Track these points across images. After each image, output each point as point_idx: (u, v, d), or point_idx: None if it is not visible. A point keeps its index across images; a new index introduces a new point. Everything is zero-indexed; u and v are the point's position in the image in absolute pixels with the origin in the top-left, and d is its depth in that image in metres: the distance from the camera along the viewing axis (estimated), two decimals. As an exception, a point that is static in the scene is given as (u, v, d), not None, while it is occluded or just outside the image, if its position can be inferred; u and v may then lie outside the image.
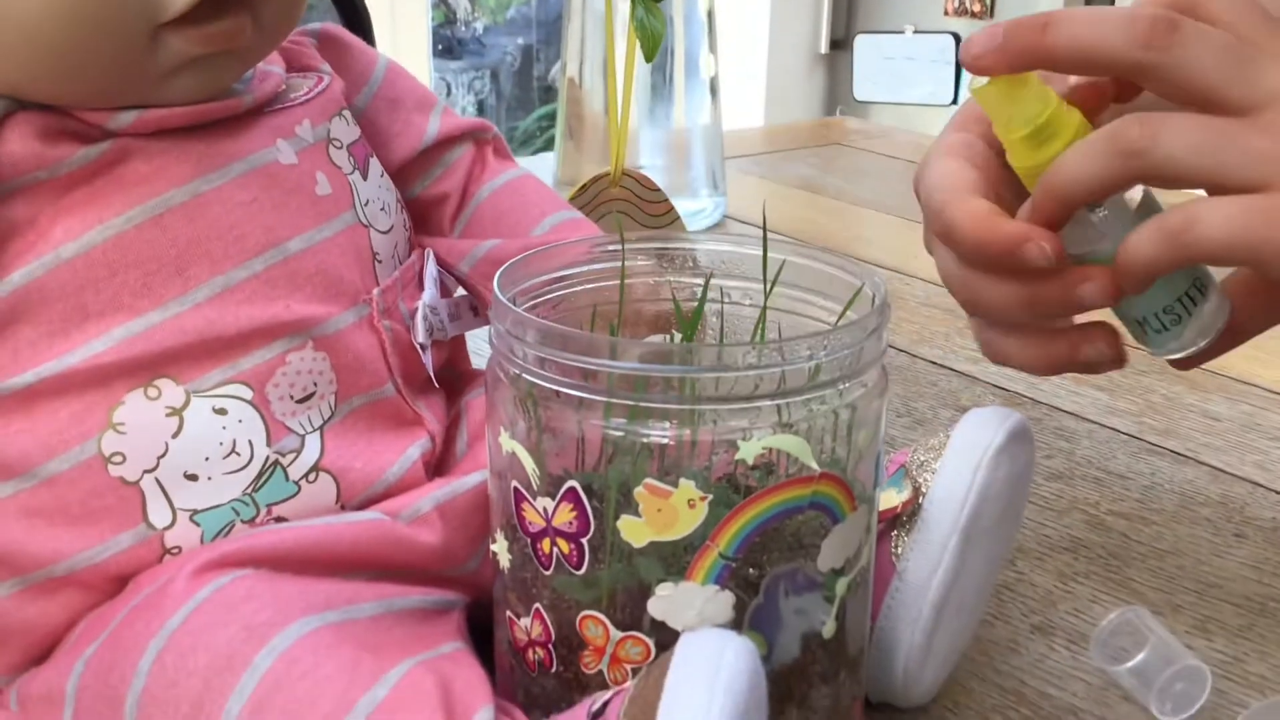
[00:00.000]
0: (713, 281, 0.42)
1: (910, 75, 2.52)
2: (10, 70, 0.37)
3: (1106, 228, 0.42)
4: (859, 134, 1.34)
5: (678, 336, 0.42)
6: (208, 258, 0.40)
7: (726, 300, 0.42)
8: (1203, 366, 0.72)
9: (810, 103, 2.63)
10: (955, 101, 2.46)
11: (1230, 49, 0.40)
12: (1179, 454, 0.63)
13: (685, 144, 0.99)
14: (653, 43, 0.68)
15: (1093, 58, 0.41)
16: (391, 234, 0.47)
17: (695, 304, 0.41)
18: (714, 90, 0.99)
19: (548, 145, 2.91)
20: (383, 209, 0.46)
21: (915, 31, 2.50)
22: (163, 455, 0.38)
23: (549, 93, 3.08)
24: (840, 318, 0.39)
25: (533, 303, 0.40)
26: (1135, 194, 0.43)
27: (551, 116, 2.96)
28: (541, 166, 1.07)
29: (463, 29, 3.02)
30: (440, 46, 2.91)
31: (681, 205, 0.90)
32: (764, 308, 0.40)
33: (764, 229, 0.41)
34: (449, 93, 2.98)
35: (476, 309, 0.51)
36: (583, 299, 0.42)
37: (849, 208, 1.08)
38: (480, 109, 3.05)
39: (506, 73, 3.09)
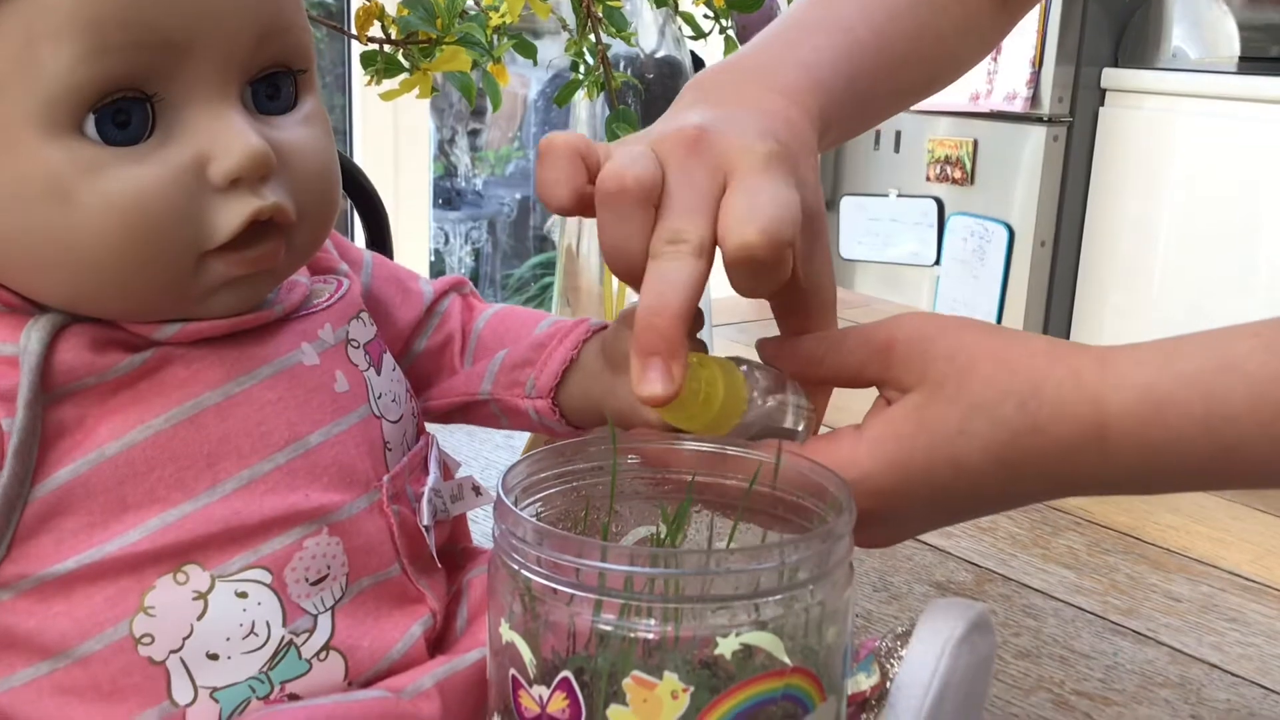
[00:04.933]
0: (697, 480, 0.46)
1: (894, 236, 2.60)
2: (67, 289, 0.42)
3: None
4: (841, 304, 1.39)
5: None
6: (236, 453, 0.43)
7: (710, 498, 0.46)
8: (1167, 547, 0.76)
9: (798, 263, 2.70)
10: (938, 261, 2.53)
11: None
12: (1140, 634, 0.66)
13: (675, 314, 1.04)
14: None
15: None
16: (401, 423, 0.51)
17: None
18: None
19: (541, 291, 2.98)
20: (394, 400, 0.50)
21: (899, 195, 2.59)
22: (188, 636, 0.42)
23: (544, 243, 3.16)
24: (815, 524, 0.43)
25: (536, 497, 0.44)
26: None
27: (545, 265, 3.04)
28: (537, 333, 1.11)
29: (463, 182, 3.12)
30: (440, 199, 3.00)
31: (671, 375, 0.94)
32: (739, 516, 0.44)
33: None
34: (447, 241, 3.06)
35: (478, 489, 0.55)
36: (582, 493, 0.46)
37: (831, 377, 1.12)
38: (477, 257, 3.13)
39: (503, 223, 3.18)
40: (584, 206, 0.48)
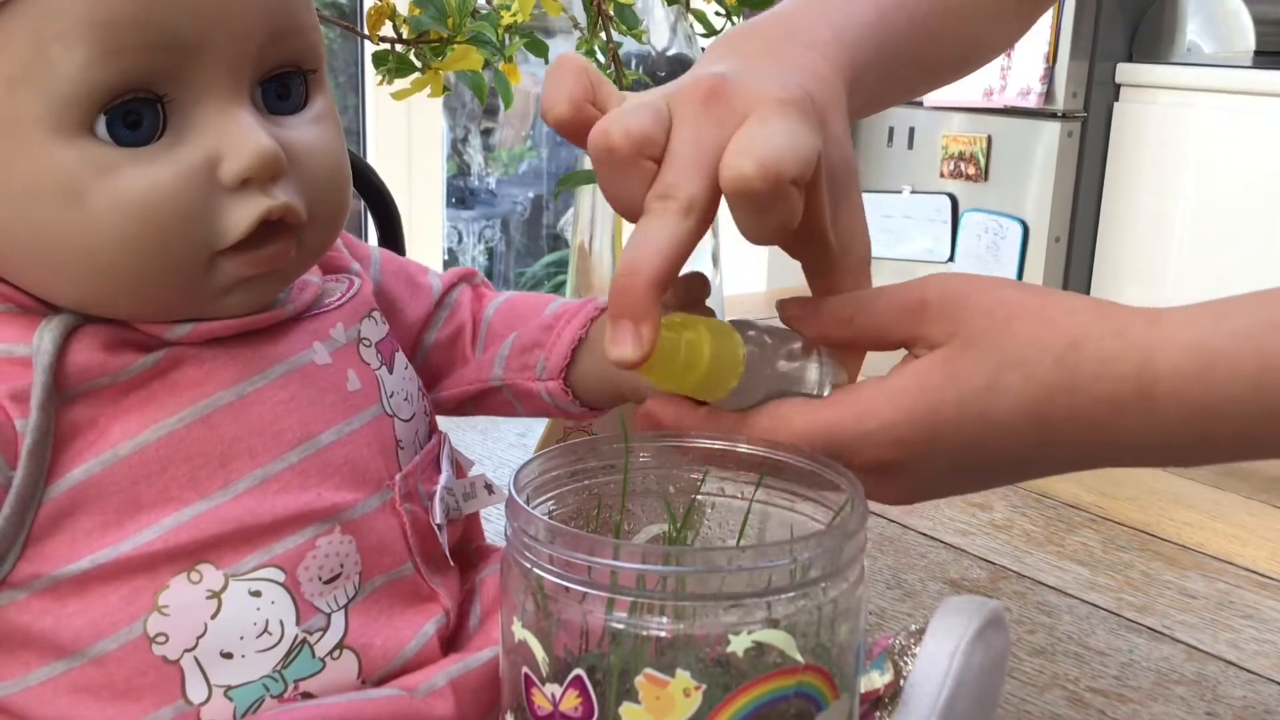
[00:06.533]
0: (708, 478, 0.46)
1: (908, 232, 2.60)
2: (80, 290, 0.42)
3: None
4: (856, 299, 1.39)
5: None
6: (249, 452, 0.43)
7: (721, 494, 0.46)
8: (1183, 544, 0.76)
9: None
10: (952, 258, 2.53)
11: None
12: (1156, 631, 0.66)
13: (688, 312, 1.04)
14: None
15: None
16: (413, 421, 0.51)
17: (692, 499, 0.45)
18: (715, 260, 1.04)
19: (555, 290, 2.98)
20: (406, 399, 0.50)
21: (912, 191, 2.58)
22: (202, 635, 0.42)
23: (557, 240, 3.16)
24: (831, 521, 0.43)
25: (548, 495, 0.44)
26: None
27: (558, 263, 3.04)
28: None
29: (476, 181, 3.13)
30: (454, 198, 3.01)
31: (684, 373, 0.94)
32: (748, 513, 0.44)
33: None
34: (460, 240, 3.07)
35: (490, 487, 0.55)
36: (594, 490, 0.46)
37: (845, 375, 1.12)
38: (490, 256, 3.14)
39: (516, 222, 3.18)
40: (580, 124, 0.46)
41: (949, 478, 0.46)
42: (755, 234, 0.44)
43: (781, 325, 0.48)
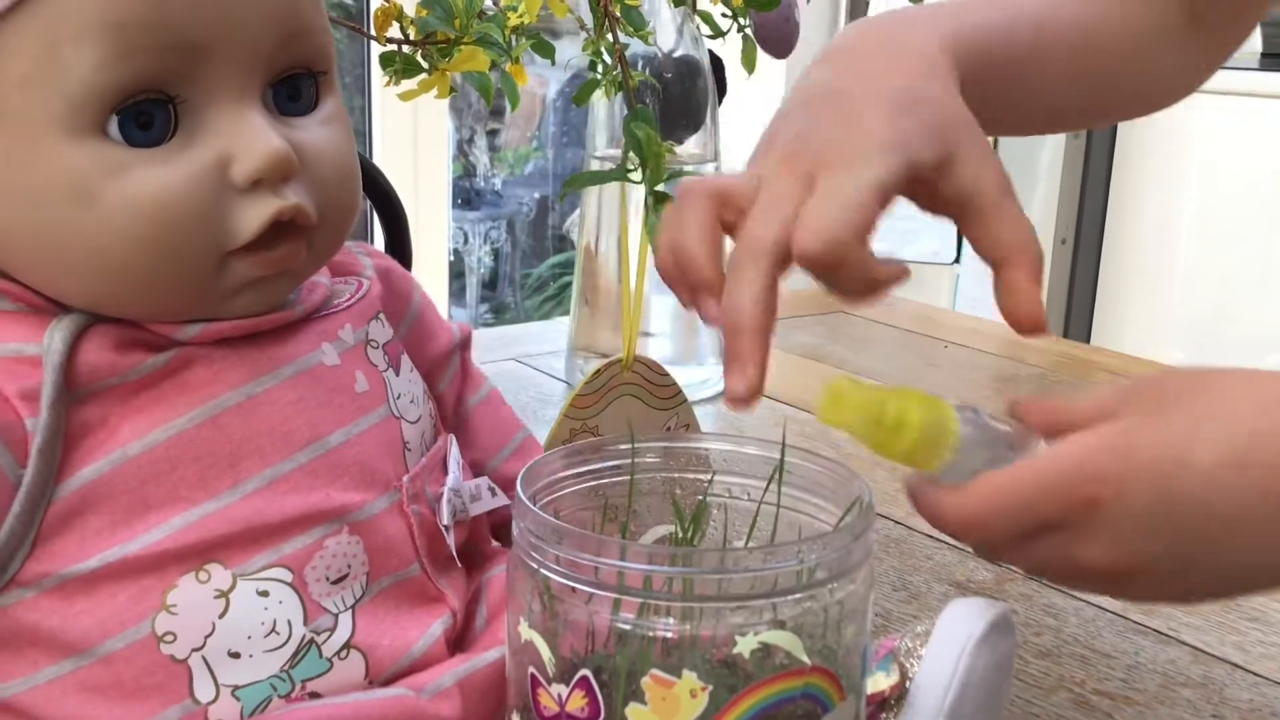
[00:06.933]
0: (715, 479, 0.46)
1: (914, 234, 2.59)
2: (90, 290, 0.42)
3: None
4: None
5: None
6: (258, 453, 0.44)
7: (728, 495, 0.46)
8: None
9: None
10: (958, 260, 2.52)
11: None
12: (1162, 633, 0.66)
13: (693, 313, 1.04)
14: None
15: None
16: (419, 423, 0.51)
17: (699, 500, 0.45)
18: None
19: (560, 291, 2.99)
20: (412, 401, 0.51)
21: (919, 193, 2.58)
22: (210, 634, 0.42)
23: (563, 242, 3.16)
24: (839, 523, 0.43)
25: (555, 496, 0.44)
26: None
27: (563, 265, 3.04)
28: (558, 331, 1.12)
29: (481, 182, 3.13)
30: (460, 199, 3.01)
31: (689, 374, 0.94)
32: (756, 514, 0.44)
33: (783, 450, 0.46)
34: (466, 241, 3.07)
35: (495, 490, 0.55)
36: (600, 492, 0.46)
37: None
38: (496, 257, 3.14)
39: (522, 223, 3.18)
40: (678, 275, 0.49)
41: (1142, 532, 0.42)
42: (843, 294, 0.47)
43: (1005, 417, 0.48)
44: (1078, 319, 2.47)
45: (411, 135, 2.35)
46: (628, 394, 0.71)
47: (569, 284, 1.12)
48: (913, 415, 0.43)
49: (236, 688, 0.42)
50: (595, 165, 0.97)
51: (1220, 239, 2.22)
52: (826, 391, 0.43)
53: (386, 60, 0.70)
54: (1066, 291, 2.45)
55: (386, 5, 0.68)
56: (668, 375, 0.74)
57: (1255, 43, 2.28)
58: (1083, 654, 0.64)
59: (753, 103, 1.03)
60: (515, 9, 0.72)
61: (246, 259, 0.43)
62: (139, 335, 0.43)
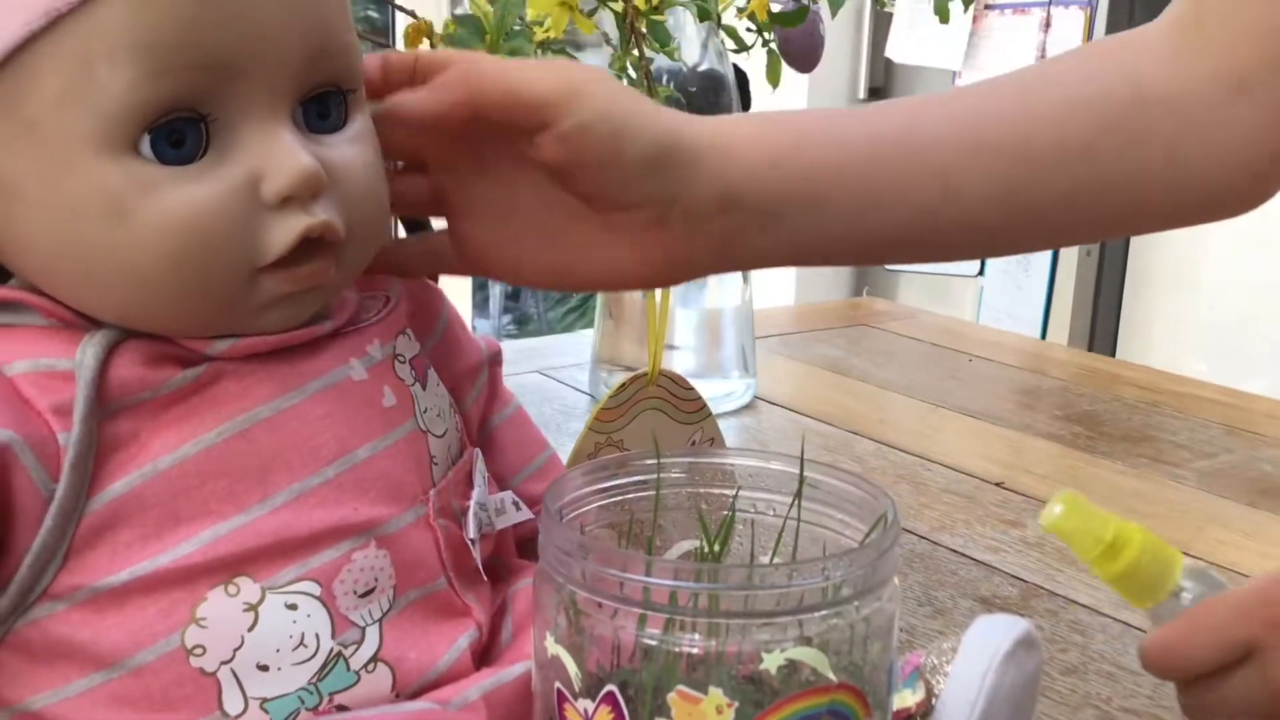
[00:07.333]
0: (740, 494, 0.46)
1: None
2: (122, 305, 0.43)
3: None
4: (885, 315, 1.39)
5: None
6: (287, 467, 0.44)
7: (754, 511, 0.47)
8: (1216, 562, 0.75)
9: (839, 279, 2.70)
10: (982, 271, 2.52)
11: None
12: (1189, 649, 0.66)
13: (717, 325, 1.04)
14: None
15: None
16: (445, 437, 0.51)
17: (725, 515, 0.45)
18: (745, 275, 1.05)
19: (583, 303, 2.98)
20: (438, 415, 0.51)
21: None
22: (239, 648, 0.42)
23: (587, 253, 3.15)
24: (865, 539, 0.43)
25: (581, 511, 0.45)
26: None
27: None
28: (582, 344, 1.12)
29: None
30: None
31: (713, 387, 0.95)
32: (781, 529, 0.44)
33: (800, 469, 0.46)
34: (490, 252, 3.07)
35: (518, 504, 0.55)
36: (625, 508, 0.46)
37: (874, 390, 1.12)
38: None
39: (546, 234, 3.17)
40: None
41: None
42: None
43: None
44: (1103, 329, 2.46)
45: (436, 147, 2.36)
46: (652, 407, 0.71)
47: (593, 296, 1.12)
48: (1134, 548, 0.46)
49: (265, 700, 0.42)
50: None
51: (1248, 245, 2.21)
52: (1059, 499, 0.46)
53: (414, 76, 0.71)
54: (1091, 304, 2.44)
55: (417, 22, 0.68)
56: (693, 389, 0.74)
57: None
58: (1109, 671, 0.64)
59: (777, 116, 1.03)
60: (542, 24, 0.73)
61: (276, 275, 0.43)
62: (170, 350, 0.44)
